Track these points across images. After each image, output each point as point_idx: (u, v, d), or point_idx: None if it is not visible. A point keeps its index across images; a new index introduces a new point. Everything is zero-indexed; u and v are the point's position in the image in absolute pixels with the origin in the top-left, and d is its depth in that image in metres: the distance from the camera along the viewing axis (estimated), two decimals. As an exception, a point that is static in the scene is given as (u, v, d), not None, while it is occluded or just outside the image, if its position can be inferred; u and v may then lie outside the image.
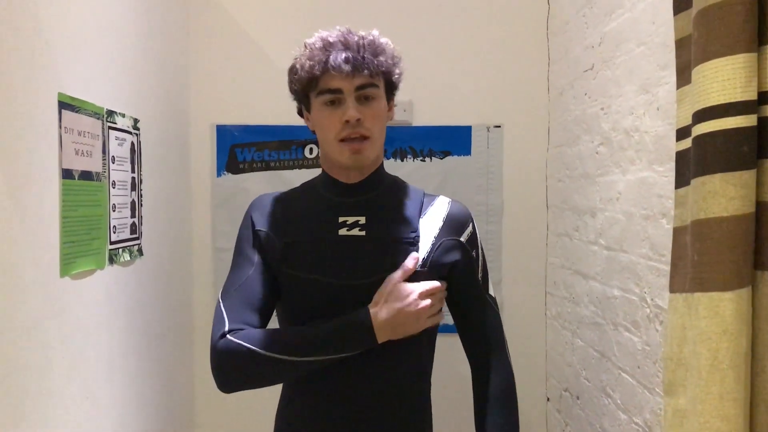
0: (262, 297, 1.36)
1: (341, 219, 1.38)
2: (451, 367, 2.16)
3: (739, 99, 0.84)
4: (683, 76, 0.94)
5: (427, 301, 1.31)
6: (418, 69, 2.40)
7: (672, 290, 0.95)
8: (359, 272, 1.35)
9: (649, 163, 1.56)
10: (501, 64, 2.47)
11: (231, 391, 1.30)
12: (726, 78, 0.84)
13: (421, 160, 2.48)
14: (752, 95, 0.84)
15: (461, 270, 1.42)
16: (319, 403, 1.37)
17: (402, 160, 2.47)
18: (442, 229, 1.41)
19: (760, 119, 0.85)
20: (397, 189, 1.46)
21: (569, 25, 2.21)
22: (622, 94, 1.74)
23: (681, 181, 0.94)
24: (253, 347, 1.26)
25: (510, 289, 2.50)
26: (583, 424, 2.07)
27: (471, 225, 1.46)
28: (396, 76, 1.40)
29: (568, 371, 2.23)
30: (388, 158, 2.45)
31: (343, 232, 1.38)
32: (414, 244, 1.37)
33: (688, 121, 0.91)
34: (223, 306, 1.34)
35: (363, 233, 1.37)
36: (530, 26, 2.46)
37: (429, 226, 1.41)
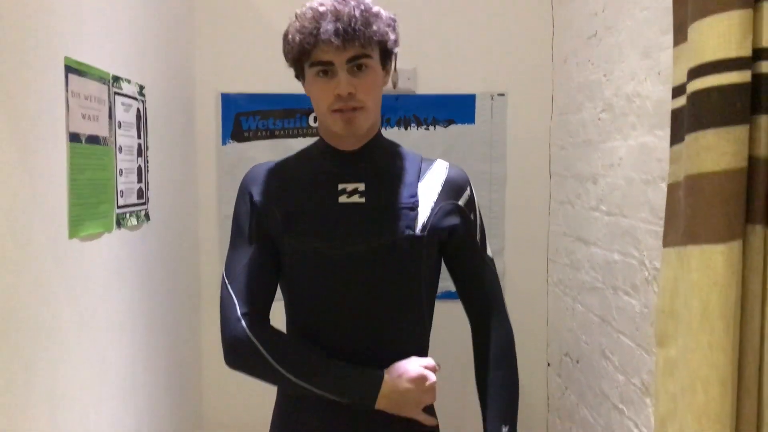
0: (268, 278, 1.41)
1: (341, 186, 1.40)
2: (450, 333, 2.19)
3: (734, 55, 0.85)
4: (680, 34, 0.95)
5: (430, 397, 1.36)
6: (422, 37, 2.40)
7: (665, 245, 0.97)
8: (360, 239, 1.37)
9: (650, 128, 1.57)
10: (505, 33, 2.46)
11: (233, 369, 1.38)
12: (721, 34, 0.85)
13: (425, 129, 2.49)
14: (747, 52, 0.85)
15: (461, 233, 1.44)
16: None
17: (406, 129, 2.48)
18: (440, 194, 1.43)
19: (754, 76, 0.87)
20: (396, 155, 1.47)
21: (573, -8, 2.21)
22: (625, 59, 1.74)
23: (675, 138, 0.96)
24: (266, 354, 1.32)
25: (512, 257, 2.52)
26: (582, 387, 2.10)
27: (469, 188, 1.47)
28: (390, 42, 1.37)
29: (568, 336, 2.26)
30: (392, 127, 2.46)
31: (343, 199, 1.39)
32: (414, 209, 1.39)
33: (684, 79, 0.92)
34: (232, 289, 1.38)
35: (363, 200, 1.39)
36: (535, -7, 2.46)
37: (428, 191, 1.42)
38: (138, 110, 1.85)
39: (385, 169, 1.44)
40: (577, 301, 2.16)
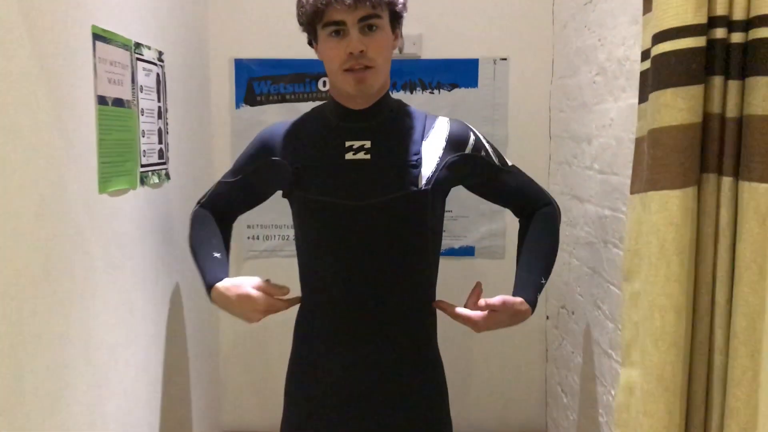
0: (237, 199, 1.71)
1: (348, 143, 1.49)
2: (452, 288, 2.33)
3: (690, 23, 0.96)
4: (647, 4, 1.05)
5: (258, 313, 1.49)
6: (427, 4, 2.50)
7: (632, 192, 1.09)
8: (365, 193, 1.47)
9: (637, 91, 1.68)
10: (508, -1, 2.55)
11: None
12: (680, 4, 0.96)
13: (429, 93, 2.59)
14: (702, 19, 0.96)
15: (481, 172, 1.58)
16: (331, 311, 1.54)
17: (411, 93, 2.59)
18: (445, 149, 1.53)
19: (709, 41, 0.97)
20: (402, 114, 1.56)
21: (572, -41, 2.29)
22: (617, 25, 1.84)
23: (642, 97, 1.07)
24: (189, 229, 1.71)
25: (514, 217, 2.64)
26: (577, 336, 2.24)
27: (472, 135, 1.58)
28: (400, 6, 1.45)
29: (564, 289, 2.39)
30: (398, 90, 2.57)
31: (349, 156, 1.49)
32: (417, 167, 1.48)
33: (649, 44, 1.03)
34: (214, 187, 1.73)
35: (368, 157, 1.48)
36: (536, -40, 2.54)
37: (432, 148, 1.52)
38: (158, 75, 1.97)
39: (391, 127, 1.53)
40: (573, 255, 2.28)
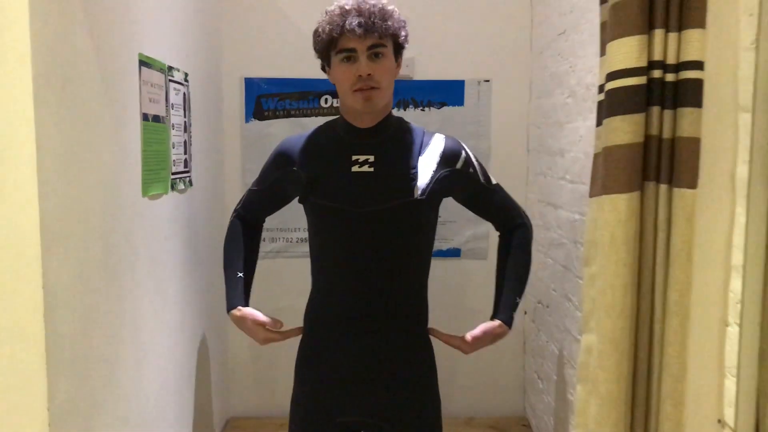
0: (258, 205, 1.91)
1: (354, 157, 1.68)
2: (441, 286, 2.61)
3: (634, 65, 1.25)
4: (602, 49, 1.34)
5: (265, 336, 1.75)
6: (420, 30, 2.76)
7: (590, 196, 1.38)
8: (369, 201, 1.66)
9: (601, 112, 1.97)
10: (491, 26, 2.85)
11: None
12: (626, 51, 1.25)
13: (421, 110, 2.88)
14: (643, 63, 1.25)
15: (468, 186, 1.78)
16: (336, 300, 1.73)
17: (404, 110, 2.87)
18: (439, 163, 1.71)
19: (648, 80, 1.26)
20: (403, 131, 1.75)
21: (548, -6, 2.59)
22: (585, 55, 2.13)
23: (599, 122, 1.36)
24: (225, 238, 1.90)
25: (495, 221, 2.94)
26: (551, 327, 2.52)
27: (463, 152, 1.76)
28: (402, 38, 1.66)
29: (540, 285, 2.68)
30: (392, 108, 2.84)
31: (355, 168, 1.67)
32: (413, 179, 1.67)
33: (604, 80, 1.32)
34: (245, 195, 1.93)
35: (371, 170, 1.67)
36: (517, -7, 2.84)
37: (427, 162, 1.71)
38: (184, 94, 2.24)
39: (392, 143, 1.71)
40: (548, 255, 2.57)
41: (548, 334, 2.57)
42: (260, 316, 1.74)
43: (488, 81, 2.88)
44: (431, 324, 1.81)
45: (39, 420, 1.25)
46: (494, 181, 1.83)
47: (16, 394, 1.23)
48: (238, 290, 1.79)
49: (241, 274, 1.82)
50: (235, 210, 1.92)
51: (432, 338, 1.79)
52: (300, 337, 1.81)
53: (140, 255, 1.80)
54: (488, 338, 1.73)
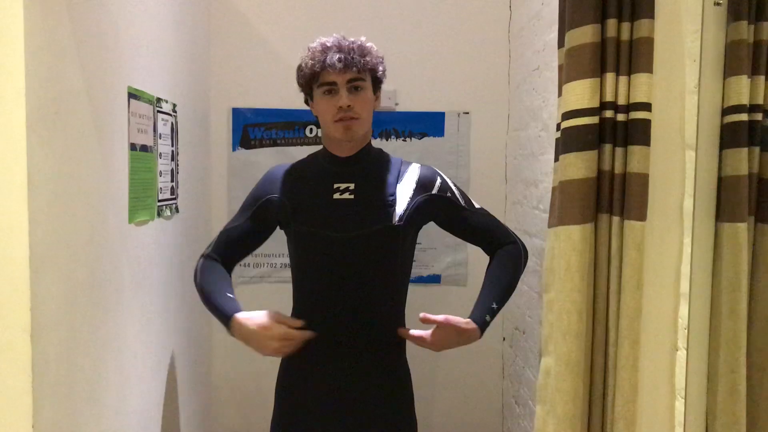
0: (238, 241, 1.87)
1: (335, 185, 1.76)
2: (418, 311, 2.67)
3: (586, 106, 1.35)
4: (559, 90, 1.44)
5: (278, 344, 1.62)
6: (402, 64, 2.88)
7: (549, 226, 1.47)
8: (348, 227, 1.73)
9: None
10: (470, 61, 2.96)
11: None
12: (579, 93, 1.35)
13: (402, 140, 2.98)
14: (596, 104, 1.35)
15: (446, 209, 1.81)
16: (314, 325, 1.75)
17: (387, 140, 2.97)
18: (415, 190, 1.78)
19: (600, 119, 1.36)
20: (381, 160, 1.84)
21: (524, 31, 2.71)
22: (556, 91, 2.22)
23: (556, 158, 1.45)
24: (198, 278, 1.80)
25: (475, 250, 2.98)
26: (527, 352, 2.59)
27: (439, 178, 1.83)
28: (380, 72, 1.76)
29: (517, 312, 2.75)
30: (375, 138, 2.95)
31: (336, 196, 1.75)
32: (392, 206, 1.75)
33: (560, 119, 1.42)
34: (216, 238, 1.89)
35: (351, 197, 1.75)
36: (495, 30, 2.96)
37: (405, 189, 1.78)
38: (172, 124, 2.32)
39: (372, 172, 1.79)
40: (524, 283, 2.65)
41: (524, 360, 2.64)
42: (275, 315, 1.65)
43: (467, 113, 2.98)
44: (410, 350, 1.84)
45: (23, 438, 1.31)
46: (478, 206, 1.87)
47: (2, 414, 1.29)
48: (234, 303, 1.71)
49: (231, 295, 1.74)
50: (202, 255, 1.86)
51: (411, 363, 1.85)
52: (279, 361, 1.87)
53: (125, 279, 1.86)
54: (453, 332, 1.66)
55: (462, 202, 1.84)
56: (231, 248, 1.87)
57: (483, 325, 1.67)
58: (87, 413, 1.60)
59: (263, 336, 1.61)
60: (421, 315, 1.64)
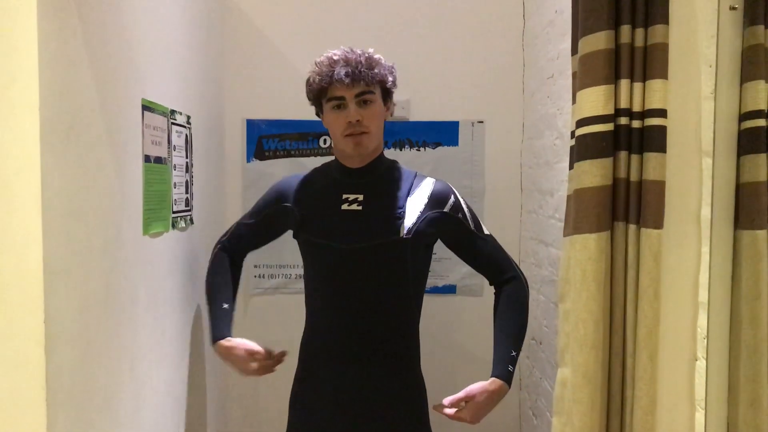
0: (247, 236, 1.98)
1: (344, 196, 1.77)
2: (437, 323, 2.66)
3: (601, 113, 1.34)
4: (574, 98, 1.43)
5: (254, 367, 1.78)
6: (415, 73, 2.89)
7: (564, 235, 1.45)
8: (356, 238, 1.73)
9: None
10: (484, 69, 2.95)
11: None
12: (593, 100, 1.34)
13: (416, 150, 2.97)
14: (610, 111, 1.34)
15: (455, 230, 1.81)
16: (324, 336, 1.80)
17: (401, 150, 2.96)
18: (426, 205, 1.77)
19: (615, 126, 1.35)
20: (393, 172, 1.83)
21: (538, 39, 2.69)
22: (571, 98, 2.21)
23: (571, 166, 1.43)
24: (208, 269, 1.98)
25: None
26: (543, 363, 2.57)
27: (453, 196, 1.82)
28: (389, 83, 1.75)
29: (534, 323, 2.72)
30: (388, 148, 2.94)
31: (344, 206, 1.76)
32: (400, 219, 1.74)
33: (575, 127, 1.40)
34: (233, 227, 2.00)
35: (360, 208, 1.75)
36: (509, 38, 2.95)
37: (415, 203, 1.77)
38: (186, 135, 2.33)
39: (382, 184, 1.79)
40: (540, 292, 2.62)
41: (541, 371, 2.61)
42: (254, 346, 1.77)
43: (482, 122, 2.97)
44: (425, 361, 1.85)
45: (38, 450, 1.31)
46: (486, 232, 1.85)
47: (16, 425, 1.29)
48: (225, 321, 1.84)
49: (227, 306, 1.86)
50: (220, 242, 1.96)
51: (427, 373, 1.85)
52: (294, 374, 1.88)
53: (140, 291, 1.87)
54: (486, 398, 1.70)
55: (472, 226, 1.82)
56: (243, 241, 1.99)
57: (509, 378, 1.71)
58: (101, 425, 1.59)
59: (239, 365, 1.81)
60: (446, 400, 1.70)
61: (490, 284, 1.88)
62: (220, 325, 1.83)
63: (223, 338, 1.80)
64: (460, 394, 1.68)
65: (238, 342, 1.78)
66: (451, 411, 1.69)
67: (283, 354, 1.80)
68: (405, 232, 1.72)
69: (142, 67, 1.91)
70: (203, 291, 2.53)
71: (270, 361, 1.77)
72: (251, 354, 1.76)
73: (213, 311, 1.87)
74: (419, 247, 1.78)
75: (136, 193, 1.85)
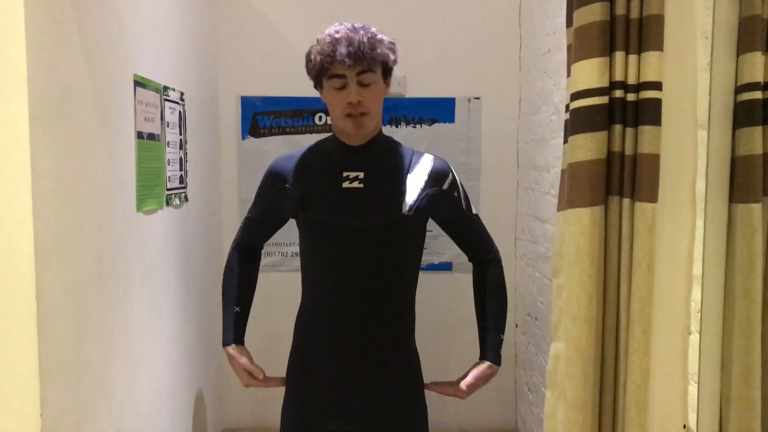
0: (257, 229, 1.93)
1: (345, 174, 1.74)
2: (432, 298, 2.66)
3: (595, 86, 1.32)
4: (568, 71, 1.41)
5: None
6: (411, 49, 2.86)
7: (558, 210, 1.44)
8: (357, 216, 1.72)
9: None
10: (481, 45, 2.93)
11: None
12: (587, 73, 1.32)
13: (412, 127, 2.95)
14: (605, 83, 1.32)
15: (450, 208, 1.82)
16: (325, 312, 1.82)
17: (396, 127, 2.95)
18: (426, 182, 1.77)
19: (610, 99, 1.33)
20: (392, 150, 1.82)
21: (534, 14, 2.67)
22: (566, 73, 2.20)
23: (565, 140, 1.42)
24: (225, 271, 1.92)
25: (487, 235, 3.00)
26: (539, 339, 2.57)
27: (451, 174, 1.82)
28: (391, 62, 1.72)
29: (529, 299, 2.73)
30: (384, 125, 2.91)
31: (345, 184, 1.74)
32: (401, 196, 1.73)
33: (569, 100, 1.39)
34: (242, 224, 1.94)
35: (361, 186, 1.73)
36: (505, 13, 2.92)
37: (416, 180, 1.76)
38: (180, 112, 2.32)
39: (382, 161, 1.77)
40: (536, 269, 2.62)
41: (537, 347, 2.62)
42: (248, 364, 1.81)
43: (478, 98, 2.95)
44: (421, 337, 1.88)
45: (32, 426, 1.31)
46: (474, 211, 1.88)
47: (10, 401, 1.30)
48: (233, 325, 1.86)
49: (237, 309, 1.88)
50: (234, 241, 1.96)
51: (421, 350, 1.85)
52: (290, 347, 1.88)
53: (134, 267, 1.87)
54: (481, 382, 1.81)
55: (464, 204, 1.85)
56: (253, 235, 1.96)
57: (499, 360, 1.83)
58: (96, 400, 1.60)
59: (238, 374, 1.83)
60: (463, 386, 1.80)
61: (469, 260, 1.94)
62: (227, 328, 1.87)
63: (229, 344, 1.84)
64: (470, 380, 1.80)
65: (240, 358, 1.82)
66: (443, 388, 1.83)
67: (280, 383, 1.86)
68: (407, 208, 1.73)
69: (135, 42, 1.89)
70: (200, 268, 2.54)
71: (266, 381, 1.83)
72: (249, 373, 1.81)
73: (224, 315, 1.89)
74: (419, 224, 1.79)
75: (129, 170, 1.84)
